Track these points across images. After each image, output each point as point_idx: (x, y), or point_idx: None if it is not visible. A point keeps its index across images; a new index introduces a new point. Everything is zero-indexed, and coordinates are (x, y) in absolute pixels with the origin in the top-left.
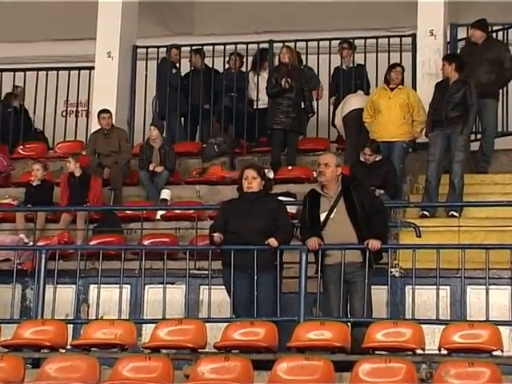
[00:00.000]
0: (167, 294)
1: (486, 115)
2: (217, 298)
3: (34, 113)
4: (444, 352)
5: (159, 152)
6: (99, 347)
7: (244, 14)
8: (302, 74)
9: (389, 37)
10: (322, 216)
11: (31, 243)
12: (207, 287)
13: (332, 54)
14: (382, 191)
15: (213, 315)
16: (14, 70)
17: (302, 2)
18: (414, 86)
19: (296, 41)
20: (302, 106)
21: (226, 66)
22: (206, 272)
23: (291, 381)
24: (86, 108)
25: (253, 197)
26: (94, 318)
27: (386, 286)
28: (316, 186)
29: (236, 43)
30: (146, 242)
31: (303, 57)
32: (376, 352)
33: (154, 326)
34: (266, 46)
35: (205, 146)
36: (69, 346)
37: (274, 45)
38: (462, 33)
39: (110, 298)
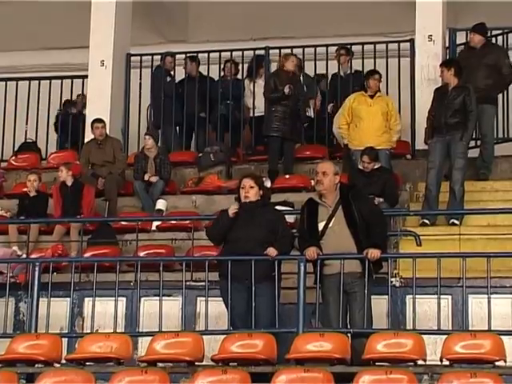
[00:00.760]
0: (163, 307)
1: (485, 121)
2: (214, 309)
3: (27, 123)
4: (446, 363)
5: (154, 162)
6: (94, 361)
7: (239, 21)
8: (300, 82)
9: (387, 42)
10: (321, 225)
11: (24, 256)
12: (204, 299)
13: (329, 60)
14: (381, 199)
15: (210, 327)
16: (6, 80)
17: (299, 8)
18: (413, 92)
19: (292, 47)
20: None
21: (222, 73)
22: (203, 283)
23: None
24: None
25: (251, 206)
26: (88, 331)
27: (386, 296)
28: (314, 195)
29: (232, 50)
30: (141, 254)
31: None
32: (376, 363)
33: (150, 339)
34: (262, 52)
35: (200, 155)
36: (63, 361)
37: (271, 51)
38: (460, 38)
39: (105, 310)
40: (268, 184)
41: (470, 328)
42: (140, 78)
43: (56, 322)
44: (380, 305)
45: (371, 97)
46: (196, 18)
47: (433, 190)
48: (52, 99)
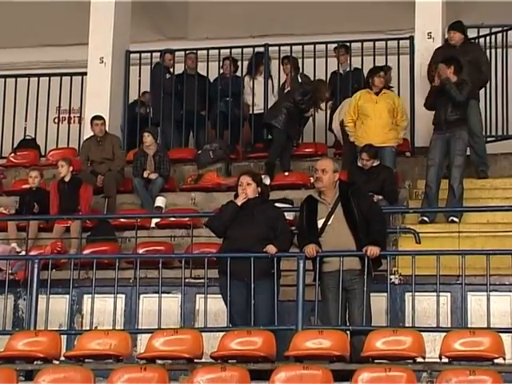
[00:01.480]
0: (163, 304)
1: (472, 116)
2: (213, 306)
3: (26, 120)
4: (445, 360)
5: (153, 159)
6: (93, 358)
7: (239, 18)
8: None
9: (386, 40)
10: (320, 222)
11: (23, 253)
12: (203, 296)
13: (329, 57)
14: (380, 197)
15: (209, 324)
16: (5, 77)
17: (298, 5)
18: (412, 89)
19: (292, 44)
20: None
21: (221, 70)
22: (202, 280)
23: None
24: (78, 114)
25: (249, 203)
26: (88, 328)
27: (386, 294)
28: (313, 193)
29: (231, 47)
30: (140, 251)
31: (299, 61)
32: (376, 361)
33: (149, 336)
34: (261, 49)
35: (200, 152)
36: (62, 358)
37: (270, 48)
38: None
39: (104, 307)
40: (267, 181)
41: (469, 325)
42: (139, 75)
43: (55, 318)
44: (379, 302)
45: (377, 94)
46: (195, 15)
47: (433, 187)
48: (51, 96)
